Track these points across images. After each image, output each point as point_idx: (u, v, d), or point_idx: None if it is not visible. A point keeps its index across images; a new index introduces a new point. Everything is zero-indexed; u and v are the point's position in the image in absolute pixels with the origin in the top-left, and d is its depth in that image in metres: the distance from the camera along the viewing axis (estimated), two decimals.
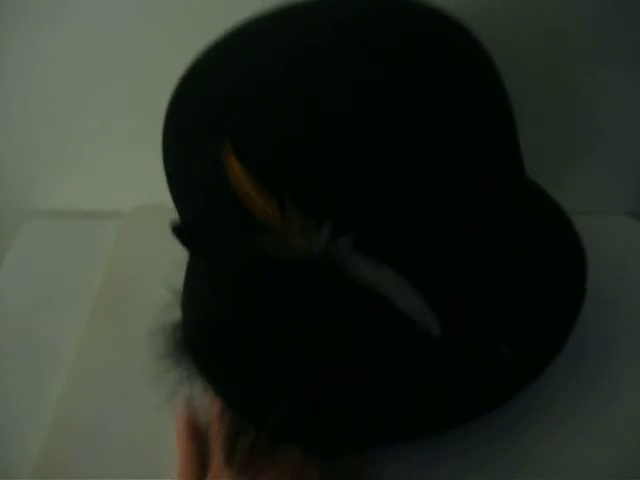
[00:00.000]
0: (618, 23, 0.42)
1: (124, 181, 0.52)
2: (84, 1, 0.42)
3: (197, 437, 0.36)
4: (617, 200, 0.53)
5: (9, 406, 0.42)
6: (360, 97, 0.28)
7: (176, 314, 0.33)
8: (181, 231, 0.29)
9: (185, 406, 0.37)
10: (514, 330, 0.32)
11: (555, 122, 0.49)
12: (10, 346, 0.45)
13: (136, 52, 0.45)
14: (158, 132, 0.35)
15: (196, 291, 0.34)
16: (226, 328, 0.29)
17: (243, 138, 0.28)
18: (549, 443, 0.37)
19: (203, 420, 0.37)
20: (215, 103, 0.30)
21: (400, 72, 0.29)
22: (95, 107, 0.48)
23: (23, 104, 0.49)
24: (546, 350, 0.32)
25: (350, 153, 0.28)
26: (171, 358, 0.30)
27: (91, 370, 0.43)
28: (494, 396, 0.31)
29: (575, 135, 0.50)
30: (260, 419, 0.29)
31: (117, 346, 0.44)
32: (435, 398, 0.30)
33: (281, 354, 0.28)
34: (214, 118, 0.30)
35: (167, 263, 0.36)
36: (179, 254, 0.33)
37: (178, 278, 0.37)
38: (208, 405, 0.36)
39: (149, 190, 0.43)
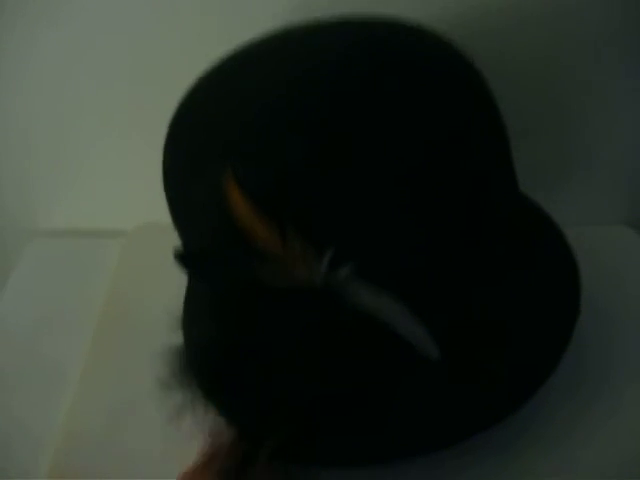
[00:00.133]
0: (613, 40, 0.43)
1: (125, 199, 0.53)
2: (81, 17, 0.43)
3: None
4: (613, 210, 0.54)
5: (15, 425, 0.42)
6: (360, 126, 0.28)
7: (178, 336, 0.34)
8: (183, 258, 0.30)
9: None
10: (510, 350, 0.32)
11: (551, 135, 0.49)
12: (15, 366, 0.45)
13: (137, 72, 0.46)
14: (159, 151, 0.35)
15: (197, 315, 0.34)
16: (226, 354, 0.29)
17: (244, 166, 0.29)
18: (550, 458, 0.37)
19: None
20: (215, 130, 0.31)
21: (400, 101, 0.29)
22: (96, 126, 0.49)
23: (23, 125, 0.49)
24: (541, 369, 0.33)
25: (351, 182, 0.28)
26: (175, 381, 0.30)
27: (96, 388, 0.43)
28: (491, 415, 0.31)
29: (571, 147, 0.50)
30: (260, 440, 0.29)
31: (121, 364, 0.44)
32: (434, 419, 0.30)
33: (281, 380, 0.28)
34: (214, 145, 0.31)
35: (170, 281, 0.36)
36: (181, 272, 0.33)
37: (180, 296, 0.38)
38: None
39: (150, 208, 0.43)
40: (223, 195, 0.29)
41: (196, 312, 0.34)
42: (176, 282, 0.37)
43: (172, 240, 0.36)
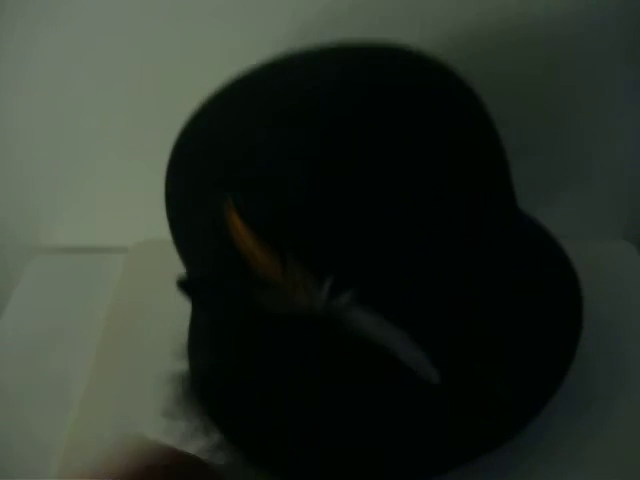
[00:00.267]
0: (609, 55, 0.43)
1: (126, 217, 0.53)
2: (82, 22, 0.43)
3: None
4: (612, 225, 0.54)
5: (20, 441, 0.42)
6: (360, 153, 0.29)
7: (183, 360, 0.34)
8: (185, 286, 0.30)
9: None
10: (511, 372, 0.32)
11: (549, 151, 0.49)
12: (19, 382, 0.46)
13: (140, 92, 0.46)
14: (159, 168, 0.35)
15: (200, 342, 0.34)
16: (227, 381, 0.29)
17: (244, 194, 0.29)
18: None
19: None
20: (216, 158, 0.31)
21: (399, 128, 0.29)
22: (98, 143, 0.49)
23: (25, 142, 0.49)
24: (543, 391, 0.33)
25: (350, 210, 0.28)
26: (179, 409, 0.31)
27: (100, 404, 0.43)
28: (494, 438, 0.31)
29: (569, 162, 0.50)
30: (264, 463, 0.30)
31: (125, 380, 0.44)
32: (435, 443, 0.30)
33: (282, 406, 0.29)
34: (215, 173, 0.31)
35: (172, 296, 0.36)
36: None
37: (182, 311, 0.38)
38: None
39: (151, 225, 0.44)
40: (224, 222, 0.29)
41: (199, 339, 0.34)
42: (178, 297, 0.37)
43: (173, 256, 0.36)
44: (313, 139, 0.29)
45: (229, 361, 0.29)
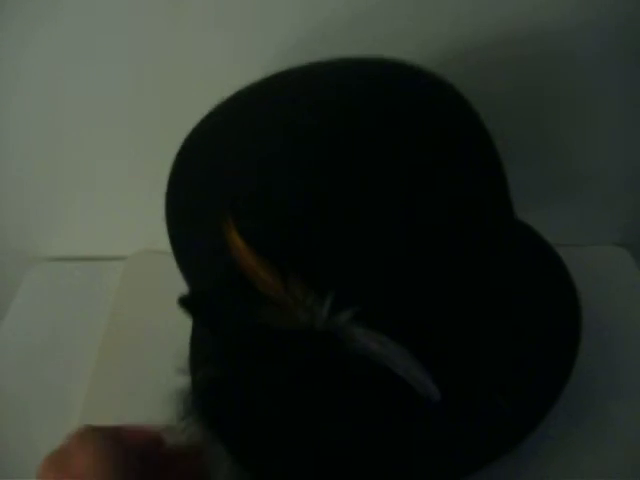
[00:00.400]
0: (601, 65, 0.43)
1: (125, 227, 0.53)
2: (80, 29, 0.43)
3: None
4: (606, 231, 0.54)
5: (20, 452, 0.42)
6: (360, 170, 0.29)
7: (185, 374, 0.34)
8: (186, 302, 0.30)
9: None
10: (511, 386, 0.33)
11: (543, 158, 0.49)
12: (18, 391, 0.46)
13: (138, 101, 0.46)
14: (160, 178, 0.35)
15: (201, 355, 0.35)
16: (229, 396, 0.29)
17: (243, 214, 0.29)
18: None
19: None
20: (216, 175, 0.31)
21: (399, 146, 0.30)
22: (97, 152, 0.49)
23: (24, 154, 0.49)
24: (540, 406, 0.33)
25: (351, 227, 0.28)
26: (181, 420, 0.31)
27: (100, 413, 0.42)
28: (493, 450, 0.32)
29: (563, 168, 0.50)
30: (265, 477, 0.30)
31: (124, 389, 0.44)
32: (435, 459, 0.31)
33: (282, 422, 0.29)
34: (215, 190, 0.31)
35: (170, 306, 0.37)
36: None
37: (181, 320, 0.38)
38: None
39: (150, 235, 0.44)
40: (224, 240, 0.29)
41: (201, 354, 0.35)
42: (176, 308, 0.37)
43: (171, 266, 0.36)
44: (314, 156, 0.29)
45: (230, 377, 0.29)
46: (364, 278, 0.29)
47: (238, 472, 0.29)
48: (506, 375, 0.33)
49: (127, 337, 0.48)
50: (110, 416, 0.42)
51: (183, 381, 0.33)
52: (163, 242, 0.36)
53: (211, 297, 0.30)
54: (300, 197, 0.29)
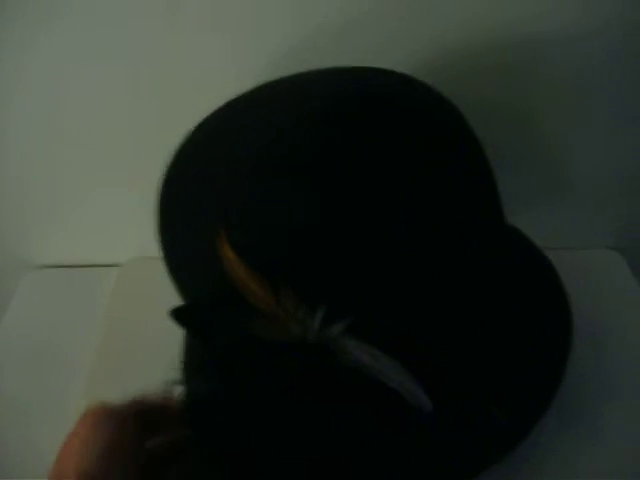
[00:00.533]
0: (589, 69, 0.44)
1: (119, 234, 0.53)
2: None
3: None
4: (599, 234, 0.55)
5: (16, 456, 0.42)
6: (350, 183, 0.29)
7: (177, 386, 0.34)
8: (178, 315, 0.30)
9: None
10: (503, 394, 0.33)
11: (536, 160, 0.50)
12: (14, 397, 0.46)
13: (133, 109, 0.46)
14: (153, 186, 0.35)
15: (193, 367, 0.35)
16: (220, 408, 0.29)
17: (235, 226, 0.29)
18: None
19: None
20: (204, 190, 0.31)
21: (388, 155, 0.29)
22: (92, 160, 0.49)
23: (19, 162, 0.49)
24: (534, 410, 0.34)
25: (342, 240, 0.28)
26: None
27: None
28: (485, 459, 0.32)
29: (555, 172, 0.51)
30: None
31: (120, 395, 0.44)
32: (428, 469, 0.31)
33: (273, 434, 0.29)
34: (206, 203, 0.31)
35: (164, 312, 0.37)
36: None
37: (174, 327, 0.38)
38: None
39: (144, 242, 0.44)
40: (216, 252, 0.29)
41: (192, 366, 0.35)
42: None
43: (164, 273, 0.36)
44: (306, 167, 0.29)
45: (222, 389, 0.30)
46: (356, 291, 0.29)
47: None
48: (498, 384, 0.33)
49: (122, 343, 0.48)
50: None
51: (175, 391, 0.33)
52: (157, 249, 0.36)
53: (203, 309, 0.31)
54: (292, 210, 0.29)
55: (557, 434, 0.39)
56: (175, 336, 0.38)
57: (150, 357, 0.39)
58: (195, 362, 0.34)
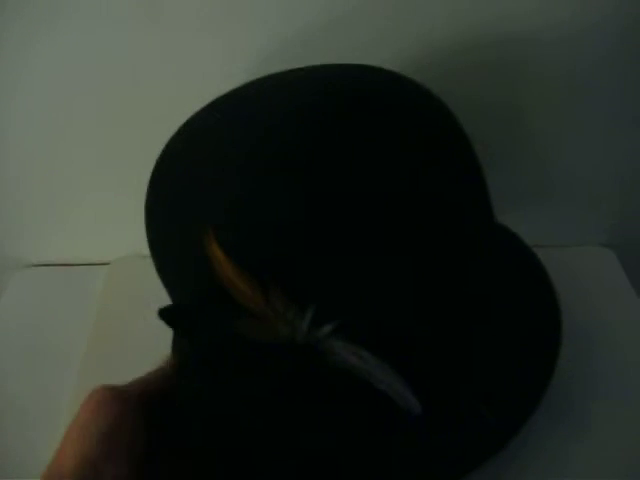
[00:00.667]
0: (579, 67, 0.44)
1: (109, 233, 0.53)
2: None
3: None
4: (592, 232, 0.55)
5: (9, 455, 0.42)
6: (339, 182, 0.28)
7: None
8: (166, 314, 0.30)
9: None
10: (492, 394, 0.33)
11: (529, 158, 0.50)
12: (3, 396, 0.46)
13: (122, 108, 0.45)
14: (144, 185, 0.35)
15: (181, 367, 0.34)
16: (208, 409, 0.29)
17: (223, 226, 0.29)
18: None
19: None
20: (192, 188, 0.31)
21: (372, 156, 0.29)
22: (79, 161, 0.49)
23: (8, 162, 0.49)
24: (523, 409, 0.34)
25: (331, 240, 0.28)
26: None
27: None
28: (474, 459, 0.32)
29: (548, 170, 0.51)
30: None
31: None
32: (417, 469, 0.31)
33: (261, 435, 0.29)
34: (193, 204, 0.30)
35: (154, 310, 0.37)
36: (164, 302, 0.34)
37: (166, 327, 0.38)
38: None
39: (134, 241, 0.44)
40: (205, 252, 0.29)
41: (180, 367, 0.34)
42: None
43: (153, 271, 0.36)
44: (293, 166, 0.29)
45: (209, 390, 0.29)
46: (345, 291, 0.28)
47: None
48: (487, 383, 0.33)
49: (112, 341, 0.48)
50: None
51: None
52: (147, 247, 0.36)
53: (191, 310, 0.30)
54: (282, 208, 0.28)
55: (546, 432, 0.39)
56: (166, 334, 0.38)
57: (140, 356, 0.39)
58: (182, 362, 0.34)
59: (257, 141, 0.30)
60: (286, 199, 0.28)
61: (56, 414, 0.42)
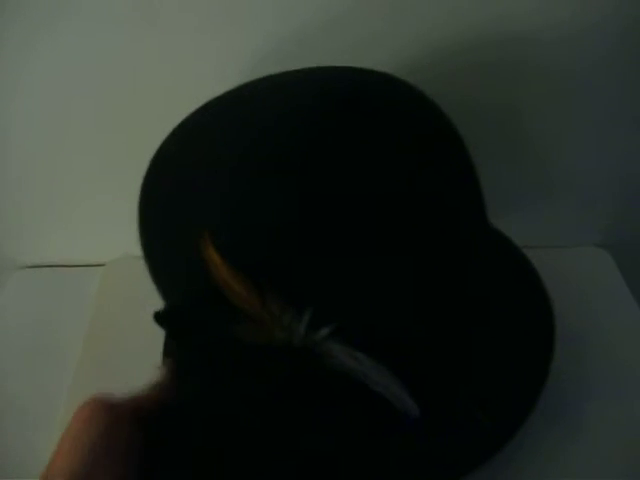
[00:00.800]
0: (576, 67, 0.44)
1: (104, 234, 0.53)
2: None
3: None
4: (587, 232, 0.55)
5: (6, 456, 0.42)
6: (335, 185, 0.28)
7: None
8: (161, 318, 0.30)
9: None
10: (488, 398, 0.33)
11: (527, 162, 0.50)
12: (3, 395, 0.46)
13: (118, 110, 0.45)
14: (138, 186, 0.35)
15: (177, 370, 0.34)
16: (203, 412, 0.29)
17: (219, 229, 0.29)
18: None
19: None
20: (187, 191, 0.31)
21: (368, 158, 0.29)
22: (75, 163, 0.49)
23: (3, 167, 0.49)
24: (519, 412, 0.34)
25: (328, 243, 0.28)
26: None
27: None
28: (470, 462, 0.32)
29: (544, 172, 0.51)
30: None
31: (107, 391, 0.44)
32: (413, 471, 0.31)
33: (258, 439, 0.29)
34: (187, 207, 0.30)
35: (149, 311, 0.37)
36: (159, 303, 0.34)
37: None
38: None
39: (129, 242, 0.44)
40: (200, 255, 0.28)
41: (174, 370, 0.34)
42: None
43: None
44: (287, 168, 0.29)
45: (205, 393, 0.29)
46: (342, 294, 0.28)
47: None
48: (482, 386, 0.33)
49: (107, 342, 0.48)
50: None
51: None
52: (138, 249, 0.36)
53: (187, 313, 0.30)
54: (277, 210, 0.28)
55: (541, 434, 0.40)
56: (161, 335, 0.38)
57: (136, 357, 0.39)
58: (181, 365, 0.34)
59: (251, 143, 0.29)
60: (280, 201, 0.28)
61: (53, 414, 0.43)
